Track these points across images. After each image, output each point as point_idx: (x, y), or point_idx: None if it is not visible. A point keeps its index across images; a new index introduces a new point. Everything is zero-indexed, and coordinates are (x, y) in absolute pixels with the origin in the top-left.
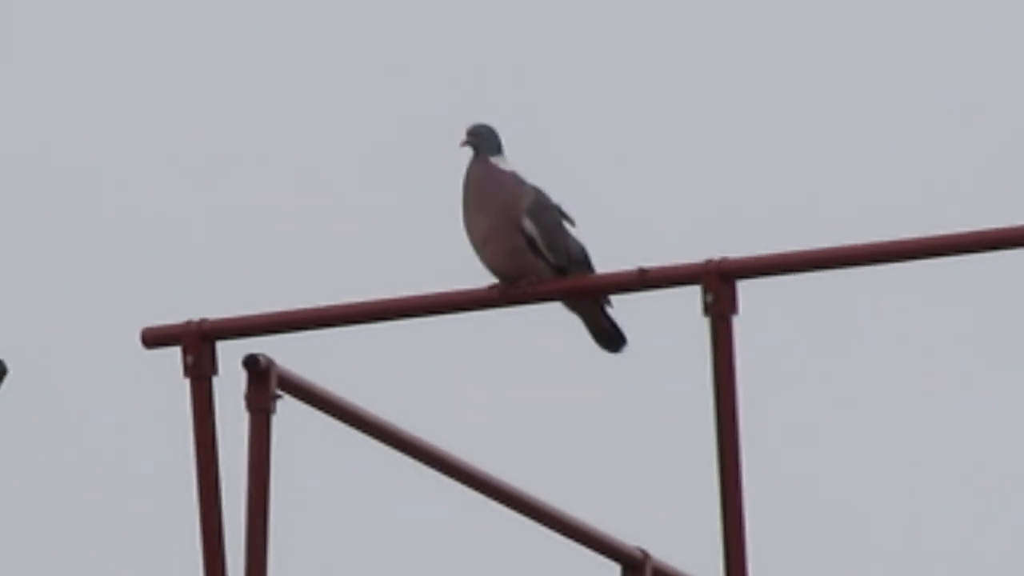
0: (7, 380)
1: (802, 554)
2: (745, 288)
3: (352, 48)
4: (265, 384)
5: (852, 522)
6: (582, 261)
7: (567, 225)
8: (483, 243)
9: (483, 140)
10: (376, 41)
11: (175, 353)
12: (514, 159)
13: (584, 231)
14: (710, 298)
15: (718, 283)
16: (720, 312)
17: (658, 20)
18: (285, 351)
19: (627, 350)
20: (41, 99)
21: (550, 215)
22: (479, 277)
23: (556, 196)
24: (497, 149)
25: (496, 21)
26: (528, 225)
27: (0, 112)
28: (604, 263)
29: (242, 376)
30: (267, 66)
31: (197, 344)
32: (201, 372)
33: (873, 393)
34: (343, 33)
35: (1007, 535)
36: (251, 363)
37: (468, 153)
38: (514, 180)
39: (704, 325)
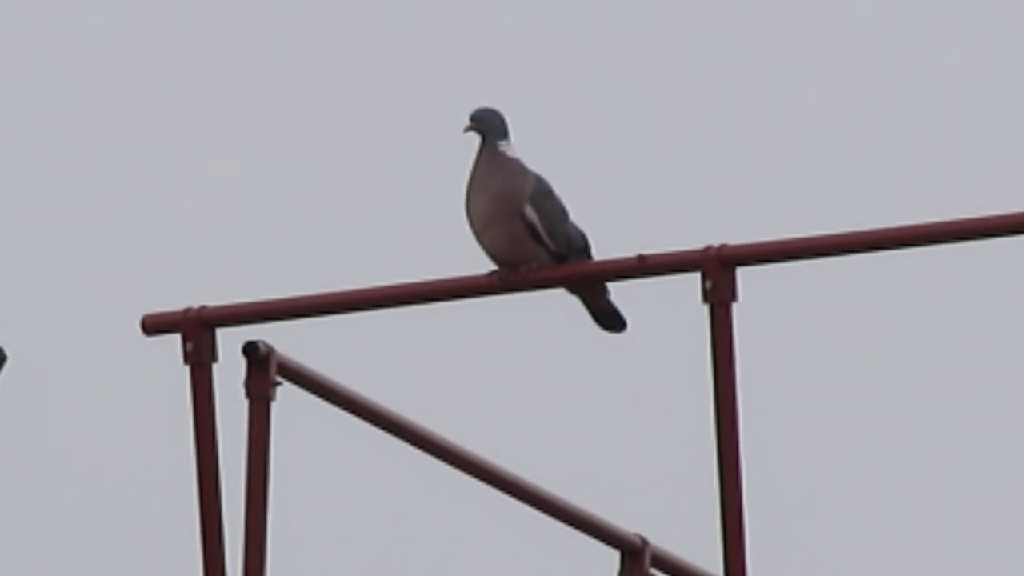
0: (6, 367)
1: (800, 542)
2: (745, 275)
3: (350, 34)
4: (265, 371)
5: (851, 510)
6: (581, 249)
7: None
8: (484, 229)
9: (487, 125)
10: (376, 27)
11: (175, 340)
12: (515, 145)
13: (583, 217)
14: (709, 285)
15: (718, 270)
16: (720, 299)
17: (657, 8)
18: (285, 338)
19: (627, 335)
20: (43, 87)
21: (552, 202)
22: (479, 263)
23: (556, 183)
24: (503, 134)
25: (497, 9)
26: (530, 212)
27: (1, 101)
28: (603, 250)
29: (242, 363)
30: (266, 55)
31: (197, 331)
32: (201, 359)
33: (874, 381)
34: (341, 20)
35: (1009, 532)
36: (251, 350)
37: (470, 139)
38: (518, 167)
39: (703, 312)
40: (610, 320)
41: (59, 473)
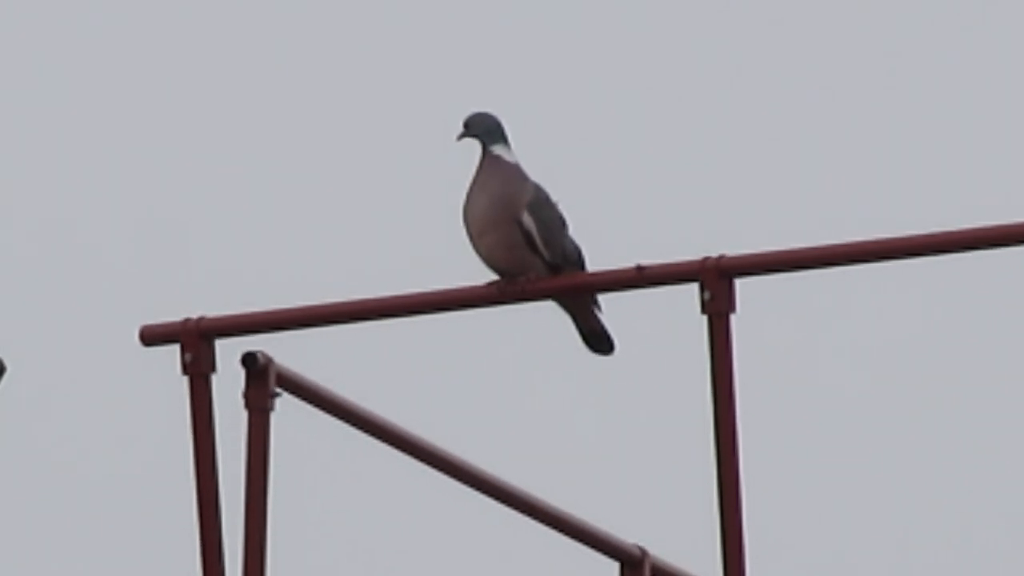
0: (6, 378)
1: (799, 552)
2: (743, 286)
3: (348, 39)
4: (264, 382)
5: (849, 521)
6: (576, 261)
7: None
8: (480, 234)
9: (480, 129)
10: (373, 31)
11: (174, 351)
12: (515, 151)
13: (581, 227)
14: (708, 296)
15: (716, 281)
16: (718, 310)
17: (655, 18)
18: (284, 349)
19: (621, 350)
20: (41, 93)
21: (550, 212)
22: (478, 274)
23: (553, 192)
24: (500, 139)
25: (495, 17)
26: (527, 219)
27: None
28: (602, 260)
29: (241, 374)
30: (264, 61)
31: (196, 342)
32: (200, 370)
33: (872, 391)
34: (339, 22)
35: (1009, 535)
36: (250, 361)
37: (471, 147)
38: (517, 173)
39: (702, 323)
40: (599, 342)
41: (58, 483)
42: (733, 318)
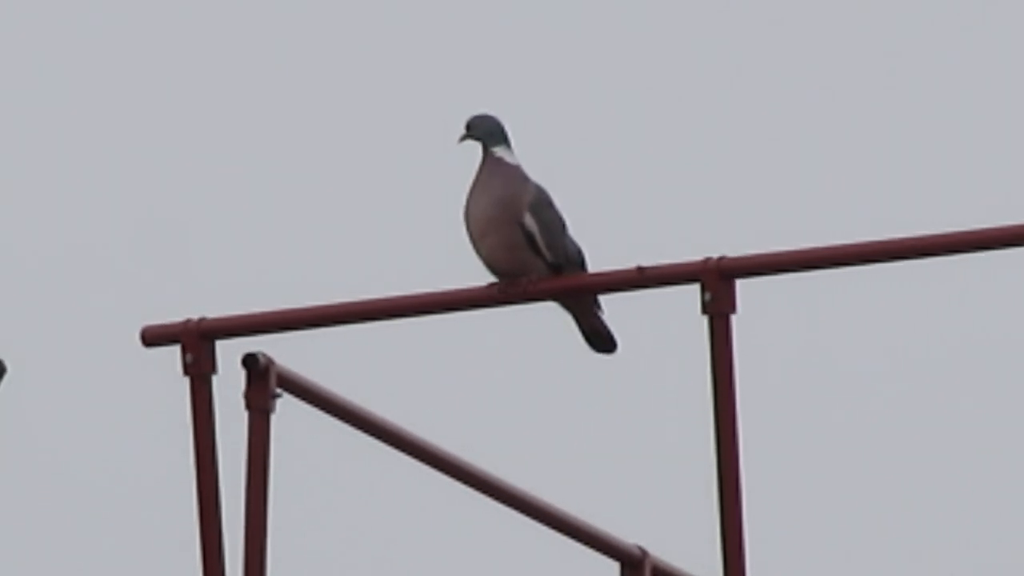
0: (6, 379)
1: (800, 553)
2: (744, 287)
3: (348, 42)
4: (265, 383)
5: (850, 521)
6: (577, 263)
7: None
8: (482, 236)
9: (481, 131)
10: (374, 35)
11: (174, 352)
12: (516, 152)
13: (581, 229)
14: (709, 296)
15: (717, 281)
16: (719, 310)
17: (655, 18)
18: (285, 350)
19: (622, 351)
20: (39, 96)
21: (551, 213)
22: (479, 275)
23: (554, 193)
24: (502, 139)
25: (495, 17)
26: (529, 221)
27: (1, 108)
28: (602, 261)
29: (242, 375)
30: (264, 61)
31: (196, 343)
32: (200, 371)
33: (872, 392)
34: (339, 23)
35: (1010, 537)
36: (250, 362)
37: (473, 148)
38: (519, 175)
39: (703, 324)
40: (601, 341)
41: (58, 484)
42: (734, 319)
